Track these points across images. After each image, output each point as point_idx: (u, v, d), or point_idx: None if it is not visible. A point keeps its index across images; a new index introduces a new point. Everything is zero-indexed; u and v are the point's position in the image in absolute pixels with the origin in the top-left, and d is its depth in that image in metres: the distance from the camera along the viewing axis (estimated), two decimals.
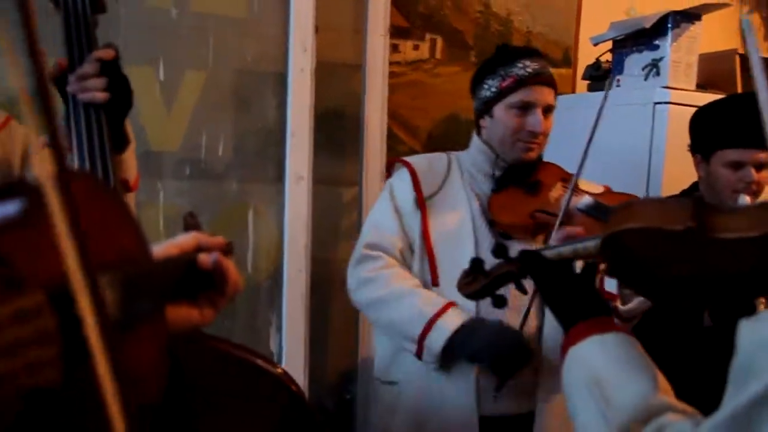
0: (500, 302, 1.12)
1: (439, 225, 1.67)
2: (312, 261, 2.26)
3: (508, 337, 1.53)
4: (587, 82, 2.62)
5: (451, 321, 1.55)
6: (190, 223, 0.79)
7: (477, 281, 1.09)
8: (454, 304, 1.58)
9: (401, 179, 1.72)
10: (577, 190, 1.58)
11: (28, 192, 0.46)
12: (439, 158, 1.77)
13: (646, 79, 2.31)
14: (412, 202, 1.68)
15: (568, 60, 2.81)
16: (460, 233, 1.65)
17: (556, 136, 1.74)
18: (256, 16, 2.23)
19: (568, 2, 2.79)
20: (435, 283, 1.65)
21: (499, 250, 1.07)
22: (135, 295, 0.54)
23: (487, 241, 1.64)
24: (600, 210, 1.51)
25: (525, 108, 1.62)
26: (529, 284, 1.05)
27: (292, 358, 2.24)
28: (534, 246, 1.42)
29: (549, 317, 1.60)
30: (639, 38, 2.32)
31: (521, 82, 1.62)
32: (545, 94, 1.63)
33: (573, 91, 2.80)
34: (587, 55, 2.66)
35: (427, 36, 2.57)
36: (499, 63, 1.67)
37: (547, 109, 1.65)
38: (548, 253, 0.95)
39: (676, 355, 1.53)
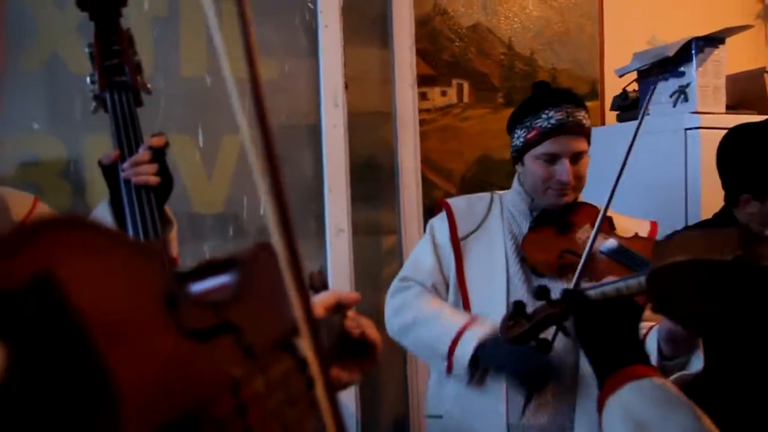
0: (545, 347, 1.12)
1: (474, 264, 1.70)
2: (356, 311, 2.28)
3: (532, 353, 1.48)
4: (616, 112, 2.63)
5: (477, 332, 1.57)
6: (317, 282, 0.81)
7: (519, 325, 1.08)
8: (480, 318, 1.60)
9: (441, 219, 1.77)
10: (607, 232, 1.59)
11: (237, 264, 0.51)
12: (481, 198, 1.80)
13: (674, 106, 2.32)
14: (449, 240, 1.73)
15: (594, 93, 2.83)
16: (493, 272, 1.67)
17: (589, 169, 1.75)
18: (287, 76, 2.31)
19: (590, 36, 2.83)
20: None
21: (541, 292, 1.07)
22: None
23: (519, 279, 1.65)
24: (623, 254, 1.50)
25: (551, 159, 1.63)
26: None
27: (343, 408, 2.24)
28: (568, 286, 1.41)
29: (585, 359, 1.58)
30: (664, 66, 2.34)
31: (545, 135, 1.62)
32: (570, 144, 1.62)
33: (602, 123, 2.82)
34: (613, 85, 2.68)
35: (454, 81, 2.63)
36: (526, 112, 1.69)
37: (576, 157, 1.63)
38: (592, 293, 0.95)
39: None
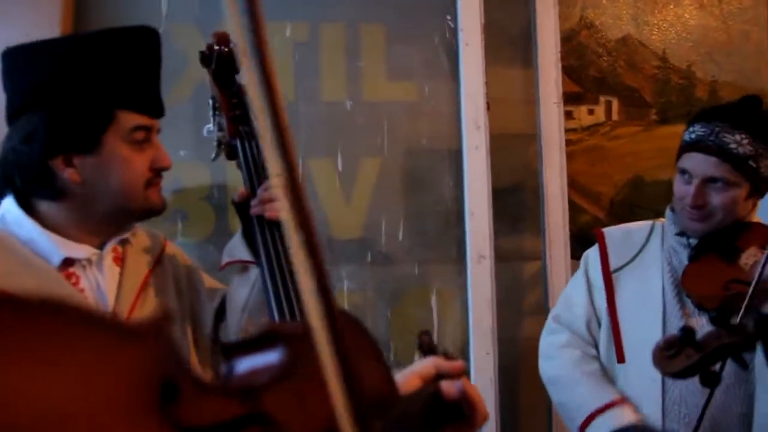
0: (713, 380, 0.97)
1: (627, 299, 1.58)
2: (498, 341, 2.17)
3: None
4: None
5: (610, 420, 1.47)
6: (425, 342, 0.75)
7: (684, 354, 0.94)
8: (622, 402, 1.49)
9: (594, 250, 1.68)
10: None
11: (286, 338, 0.43)
12: (641, 227, 1.68)
13: None
14: (600, 274, 1.63)
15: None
16: (648, 307, 1.55)
17: None
18: (427, 98, 2.26)
19: (756, 44, 2.57)
20: (621, 359, 1.56)
21: (719, 318, 0.92)
22: None
23: (677, 317, 1.50)
24: None
25: (686, 176, 1.50)
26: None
27: None
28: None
29: (762, 406, 1.38)
30: None
31: (682, 149, 1.54)
32: (702, 164, 1.47)
33: None
34: None
35: (602, 98, 2.47)
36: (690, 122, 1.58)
37: (711, 180, 1.46)
38: None
39: None
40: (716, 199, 1.47)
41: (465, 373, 0.73)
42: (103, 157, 1.14)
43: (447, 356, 0.73)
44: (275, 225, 1.20)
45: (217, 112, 1.30)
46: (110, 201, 1.17)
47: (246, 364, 0.44)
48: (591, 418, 1.50)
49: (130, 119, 1.16)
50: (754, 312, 1.37)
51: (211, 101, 1.31)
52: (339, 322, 0.39)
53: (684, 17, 2.54)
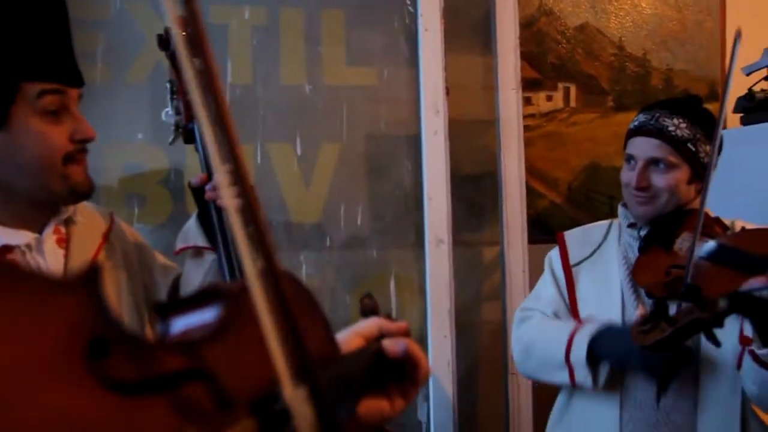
0: (687, 357, 0.99)
1: (587, 291, 1.64)
2: (456, 325, 2.19)
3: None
4: (739, 115, 2.42)
5: (587, 329, 1.50)
6: (367, 305, 0.76)
7: (658, 329, 0.96)
8: (588, 321, 1.54)
9: (556, 250, 1.74)
10: (714, 235, 1.43)
11: (224, 296, 0.44)
12: (599, 226, 1.74)
13: None
14: (562, 268, 1.69)
15: (714, 94, 2.62)
16: (607, 299, 1.59)
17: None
18: (386, 83, 2.26)
19: (710, 33, 2.62)
20: None
21: (690, 292, 0.95)
22: (337, 397, 0.50)
23: (635, 308, 1.55)
24: (728, 254, 1.35)
25: (631, 162, 1.57)
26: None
27: (441, 427, 2.16)
28: None
29: (704, 394, 1.44)
30: None
31: (628, 135, 1.60)
32: (645, 147, 1.53)
33: (723, 127, 2.60)
34: (737, 86, 2.47)
35: (560, 85, 2.50)
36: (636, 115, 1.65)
37: (654, 162, 1.52)
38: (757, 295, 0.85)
39: None
40: (659, 180, 1.52)
41: (408, 333, 0.73)
42: (12, 133, 1.05)
43: (389, 318, 0.74)
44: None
45: (174, 96, 1.30)
46: (28, 180, 1.08)
47: (184, 321, 0.44)
48: (570, 342, 1.52)
49: (37, 87, 1.06)
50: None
51: (168, 85, 1.30)
52: (280, 281, 0.39)
53: (640, 6, 2.57)
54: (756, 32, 2.53)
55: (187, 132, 1.31)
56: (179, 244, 1.36)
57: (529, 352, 1.65)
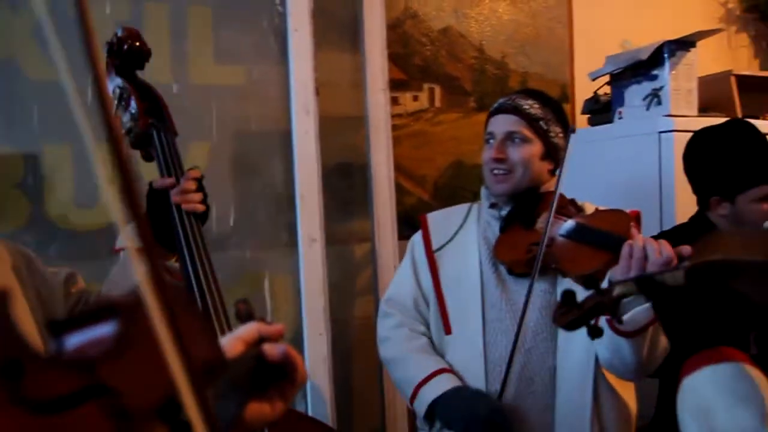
0: (596, 333, 1.11)
1: (449, 275, 1.71)
2: (331, 322, 2.23)
3: (481, 407, 1.53)
4: (587, 116, 2.62)
5: (432, 390, 1.60)
6: (244, 311, 0.77)
7: (571, 313, 1.09)
8: (443, 371, 1.63)
9: (419, 234, 1.79)
10: (571, 215, 1.59)
11: (119, 311, 0.44)
12: (459, 209, 1.81)
13: (648, 109, 2.32)
14: (424, 255, 1.75)
15: (565, 96, 2.82)
16: (467, 281, 1.68)
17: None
18: (255, 82, 2.25)
19: (560, 40, 2.82)
20: (448, 331, 1.69)
21: (589, 281, 1.08)
22: (223, 402, 0.51)
23: (494, 285, 1.66)
24: (584, 233, 1.52)
25: (490, 140, 1.69)
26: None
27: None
28: None
29: (563, 359, 1.57)
30: (637, 69, 2.33)
31: (489, 116, 1.73)
32: (502, 123, 1.67)
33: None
34: (585, 89, 2.68)
35: (425, 86, 2.59)
36: None
37: (510, 136, 1.65)
38: (659, 278, 0.96)
39: None
40: (515, 153, 1.64)
41: (282, 336, 0.76)
42: None
43: (264, 322, 0.76)
44: (193, 214, 1.27)
45: (123, 102, 1.32)
46: None
47: (78, 338, 0.44)
48: (417, 388, 1.62)
49: None
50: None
51: (118, 90, 1.32)
52: (168, 291, 0.40)
53: (498, 12, 2.72)
54: (598, 41, 2.76)
55: (141, 137, 1.31)
56: (120, 244, 1.35)
57: (390, 369, 1.76)
